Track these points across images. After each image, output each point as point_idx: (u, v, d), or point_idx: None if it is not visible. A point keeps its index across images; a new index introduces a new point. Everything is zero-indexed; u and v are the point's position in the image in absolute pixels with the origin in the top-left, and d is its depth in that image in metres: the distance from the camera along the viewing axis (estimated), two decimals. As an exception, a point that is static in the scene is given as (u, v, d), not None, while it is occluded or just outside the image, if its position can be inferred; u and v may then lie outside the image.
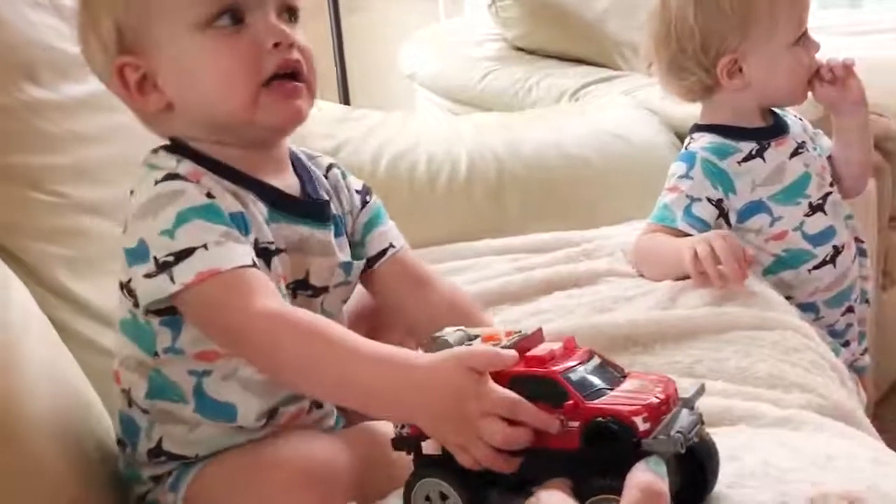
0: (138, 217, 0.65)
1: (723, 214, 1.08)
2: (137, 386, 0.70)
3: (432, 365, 0.57)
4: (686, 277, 1.01)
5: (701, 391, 0.57)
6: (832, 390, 0.83)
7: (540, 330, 0.60)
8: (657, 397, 0.52)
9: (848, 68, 1.09)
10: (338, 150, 1.37)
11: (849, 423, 0.78)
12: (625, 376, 0.57)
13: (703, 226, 1.06)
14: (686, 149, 1.13)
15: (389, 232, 0.79)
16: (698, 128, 1.15)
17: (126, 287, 0.67)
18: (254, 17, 0.67)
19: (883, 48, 2.21)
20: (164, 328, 0.68)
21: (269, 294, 0.63)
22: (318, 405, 0.73)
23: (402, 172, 1.36)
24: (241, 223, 0.66)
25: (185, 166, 0.67)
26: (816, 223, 1.11)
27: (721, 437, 0.72)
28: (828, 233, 1.11)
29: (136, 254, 0.65)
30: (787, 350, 0.87)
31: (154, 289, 0.64)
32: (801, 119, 1.18)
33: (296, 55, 0.69)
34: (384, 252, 0.77)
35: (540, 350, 0.57)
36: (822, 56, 1.10)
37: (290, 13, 0.70)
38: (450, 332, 0.60)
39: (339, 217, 0.75)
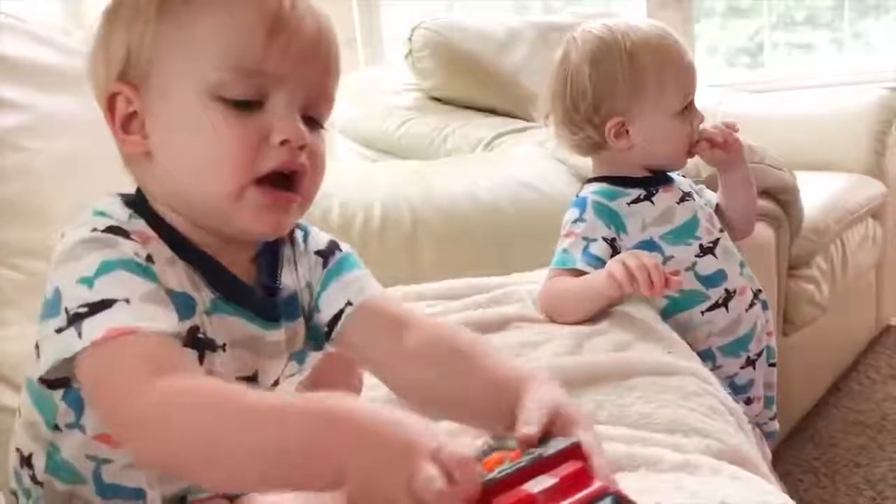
0: (59, 262, 0.57)
1: (616, 252, 1.10)
2: (38, 456, 0.63)
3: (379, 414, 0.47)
4: (593, 320, 1.04)
5: None
6: (730, 434, 0.85)
7: (575, 445, 0.49)
8: None
9: (730, 130, 1.16)
10: (250, 196, 1.36)
11: (745, 466, 0.79)
12: None
13: (601, 264, 1.08)
14: (577, 196, 1.17)
15: (350, 286, 0.69)
16: (589, 181, 1.19)
17: (36, 345, 0.59)
18: (275, 103, 0.60)
19: (782, 105, 2.33)
20: (65, 404, 0.60)
21: (185, 373, 0.53)
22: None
23: (314, 219, 1.34)
24: (185, 304, 0.58)
25: (136, 224, 0.60)
26: (708, 265, 1.14)
27: (623, 483, 0.73)
28: (719, 275, 1.14)
29: (49, 305, 0.56)
30: (687, 395, 0.89)
31: (59, 347, 0.54)
32: (683, 176, 1.23)
33: (302, 159, 0.60)
34: (340, 314, 0.67)
35: (539, 485, 0.45)
36: (708, 122, 1.18)
37: (317, 119, 0.63)
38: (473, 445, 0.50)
39: (293, 298, 0.67)
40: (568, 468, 0.47)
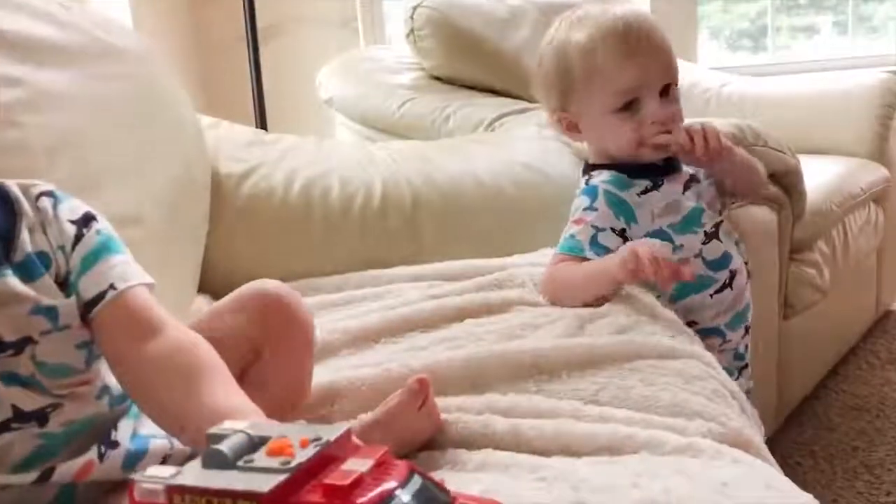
0: None
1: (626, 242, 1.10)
2: None
3: None
4: (597, 304, 1.04)
5: None
6: (732, 418, 0.85)
7: (347, 432, 0.46)
8: None
9: (702, 134, 1.12)
10: (249, 174, 1.35)
11: (746, 450, 0.79)
12: (453, 501, 0.45)
13: (609, 254, 1.08)
14: (587, 184, 1.17)
15: (114, 270, 0.68)
16: (593, 166, 1.19)
17: None
18: None
19: (785, 87, 2.31)
20: None
21: None
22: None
23: (314, 198, 1.35)
24: None
25: None
26: (714, 250, 1.15)
27: (624, 465, 0.73)
28: (725, 258, 1.15)
29: None
30: (689, 379, 0.88)
31: None
32: None
33: None
34: (102, 295, 0.66)
35: (342, 474, 0.43)
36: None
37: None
38: (228, 431, 0.46)
39: (37, 256, 0.66)
40: (367, 451, 0.46)
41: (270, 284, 0.80)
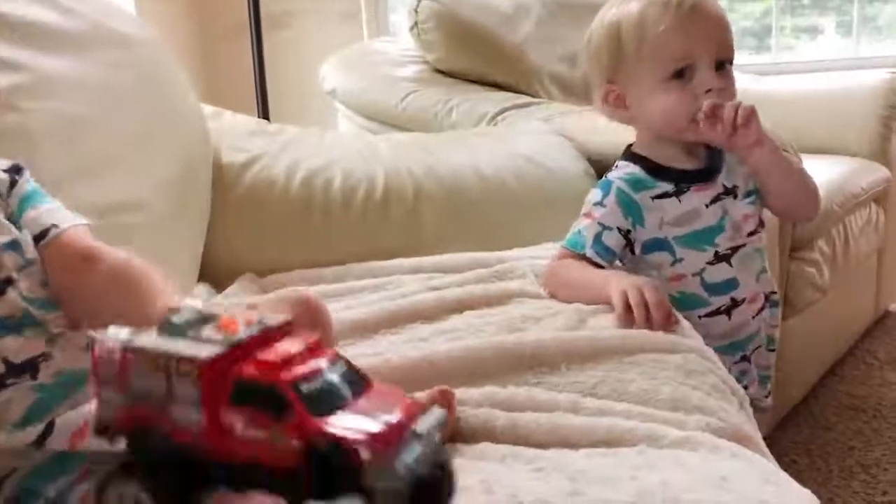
0: None
1: (629, 244, 1.10)
2: None
3: None
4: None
5: (442, 420, 0.50)
6: (731, 413, 0.84)
7: (289, 323, 0.52)
8: (391, 422, 0.46)
9: (743, 113, 1.05)
10: (251, 164, 1.35)
11: (745, 445, 0.79)
12: (368, 387, 0.50)
13: (610, 255, 1.08)
14: (606, 176, 1.14)
15: (52, 212, 0.73)
16: (628, 155, 1.16)
17: None
18: None
19: (789, 87, 2.31)
20: None
21: None
22: None
23: (316, 189, 1.34)
24: None
25: None
26: (718, 272, 1.10)
27: (622, 458, 0.73)
28: (728, 284, 1.11)
29: None
30: (689, 373, 0.88)
31: None
32: None
33: None
34: (46, 232, 0.71)
35: (275, 352, 0.49)
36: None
37: None
38: (184, 310, 0.51)
39: None
40: (302, 336, 0.51)
41: (303, 292, 0.81)
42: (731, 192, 1.12)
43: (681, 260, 1.10)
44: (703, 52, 1.07)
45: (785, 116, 1.94)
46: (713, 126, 1.06)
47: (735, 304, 1.12)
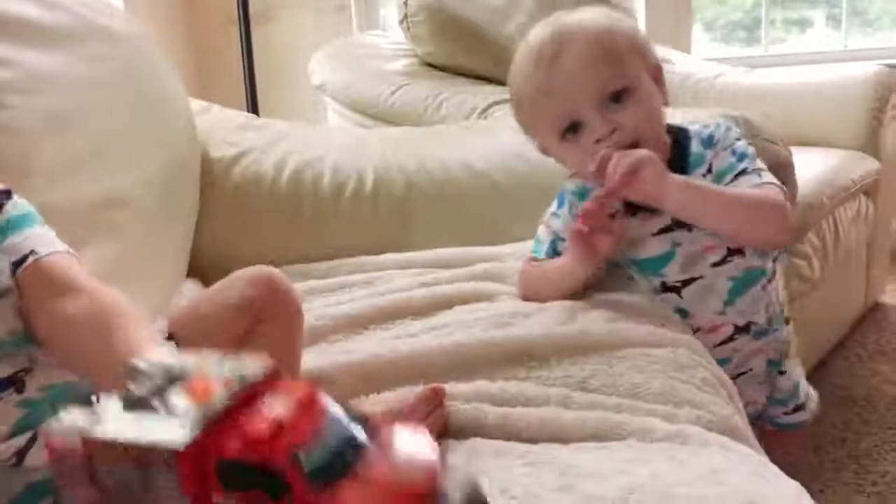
0: None
1: None
2: None
3: None
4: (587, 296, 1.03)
5: (475, 496, 0.41)
6: (721, 406, 0.85)
7: (274, 373, 0.44)
8: (417, 490, 0.39)
9: (625, 165, 0.95)
10: (239, 159, 1.34)
11: (735, 438, 0.79)
12: (375, 434, 0.42)
13: None
14: (563, 185, 1.11)
15: (35, 238, 0.71)
16: None
17: None
18: None
19: (778, 79, 2.31)
20: None
21: None
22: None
23: (305, 184, 1.34)
24: None
25: None
26: (667, 301, 1.04)
27: (612, 452, 0.73)
28: (677, 313, 1.04)
29: None
30: (679, 367, 0.88)
31: None
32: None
33: None
34: (25, 258, 0.69)
35: (261, 415, 0.41)
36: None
37: None
38: (150, 370, 0.44)
39: None
40: (283, 393, 0.43)
41: (265, 269, 0.82)
42: (683, 225, 1.02)
43: (630, 279, 1.07)
44: (581, 103, 0.98)
45: (775, 109, 1.94)
46: (605, 182, 0.96)
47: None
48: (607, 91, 0.98)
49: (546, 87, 1.00)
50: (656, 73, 1.04)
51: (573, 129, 1.00)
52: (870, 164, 2.07)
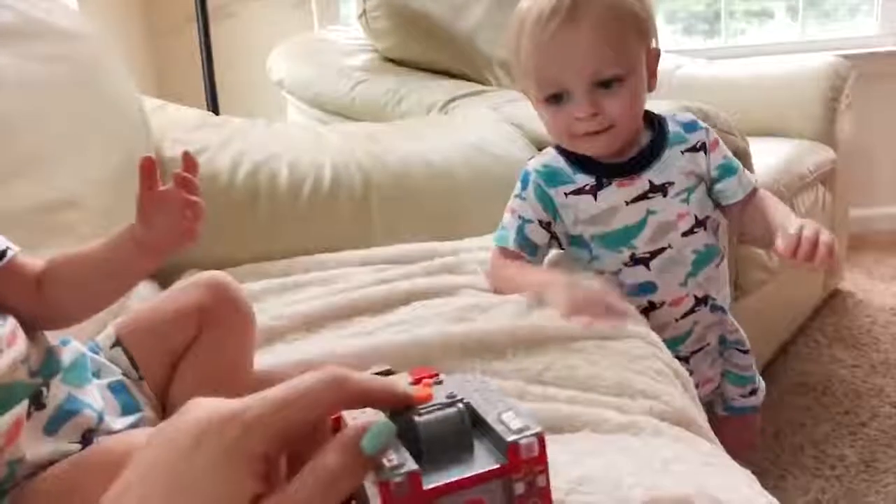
0: None
1: (554, 237, 1.09)
2: None
3: None
4: None
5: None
6: (675, 397, 0.85)
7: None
8: None
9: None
10: (194, 158, 1.32)
11: (689, 428, 0.80)
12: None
13: (532, 248, 1.07)
14: (527, 164, 1.11)
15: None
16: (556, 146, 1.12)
17: None
18: None
19: (735, 70, 2.34)
20: None
21: None
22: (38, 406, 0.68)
23: (261, 182, 1.33)
24: None
25: None
26: (635, 274, 1.07)
27: (565, 443, 0.74)
28: (644, 288, 1.08)
29: None
30: (633, 358, 0.89)
31: None
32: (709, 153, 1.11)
33: None
34: (3, 254, 0.72)
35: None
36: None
37: None
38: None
39: None
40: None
41: (216, 274, 0.84)
42: (659, 189, 1.06)
43: (597, 258, 1.08)
44: (574, 80, 1.00)
45: (731, 99, 1.96)
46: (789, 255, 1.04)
47: (652, 306, 1.08)
48: (602, 76, 1.01)
49: (546, 50, 1.01)
50: (653, 59, 1.07)
51: (558, 97, 1.03)
52: (826, 153, 2.11)
